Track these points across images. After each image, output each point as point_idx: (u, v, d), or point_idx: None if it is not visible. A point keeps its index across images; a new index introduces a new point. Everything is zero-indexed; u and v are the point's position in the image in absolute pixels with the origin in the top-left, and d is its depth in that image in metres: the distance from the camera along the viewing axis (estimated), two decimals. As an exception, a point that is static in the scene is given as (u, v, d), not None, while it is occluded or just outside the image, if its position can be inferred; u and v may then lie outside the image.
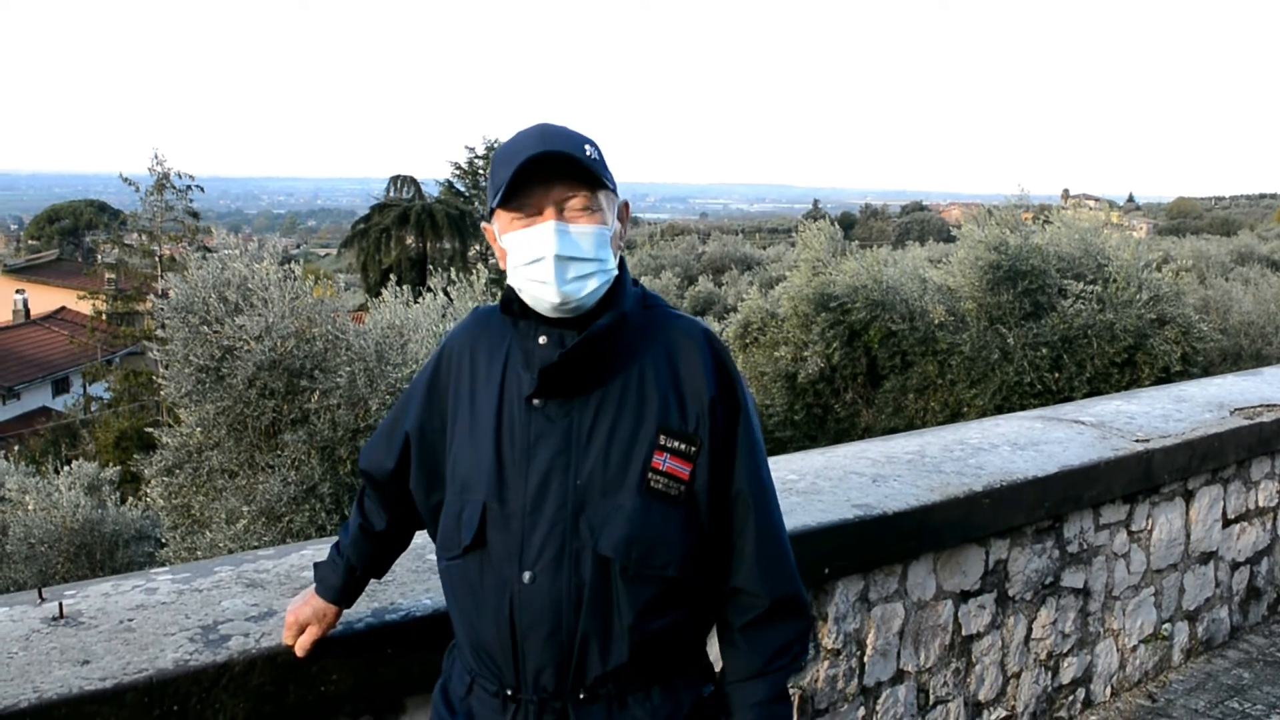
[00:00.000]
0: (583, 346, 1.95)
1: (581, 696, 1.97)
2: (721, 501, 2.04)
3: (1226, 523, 5.23)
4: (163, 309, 7.71)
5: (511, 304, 2.04)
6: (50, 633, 2.44)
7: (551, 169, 1.92)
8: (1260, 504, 5.43)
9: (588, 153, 1.95)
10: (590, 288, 1.94)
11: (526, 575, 1.94)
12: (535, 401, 1.98)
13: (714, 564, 2.06)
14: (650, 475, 1.96)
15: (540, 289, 1.94)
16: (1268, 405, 5.51)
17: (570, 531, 1.94)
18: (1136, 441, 4.70)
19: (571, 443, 1.96)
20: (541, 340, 2.00)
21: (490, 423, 2.01)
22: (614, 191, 2.02)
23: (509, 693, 1.99)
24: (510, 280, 2.00)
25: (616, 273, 1.99)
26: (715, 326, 15.08)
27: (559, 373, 1.95)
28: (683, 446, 1.98)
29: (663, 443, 1.97)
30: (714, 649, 2.20)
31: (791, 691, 3.27)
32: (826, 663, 3.58)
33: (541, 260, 1.92)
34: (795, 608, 2.09)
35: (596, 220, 1.95)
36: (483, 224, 2.13)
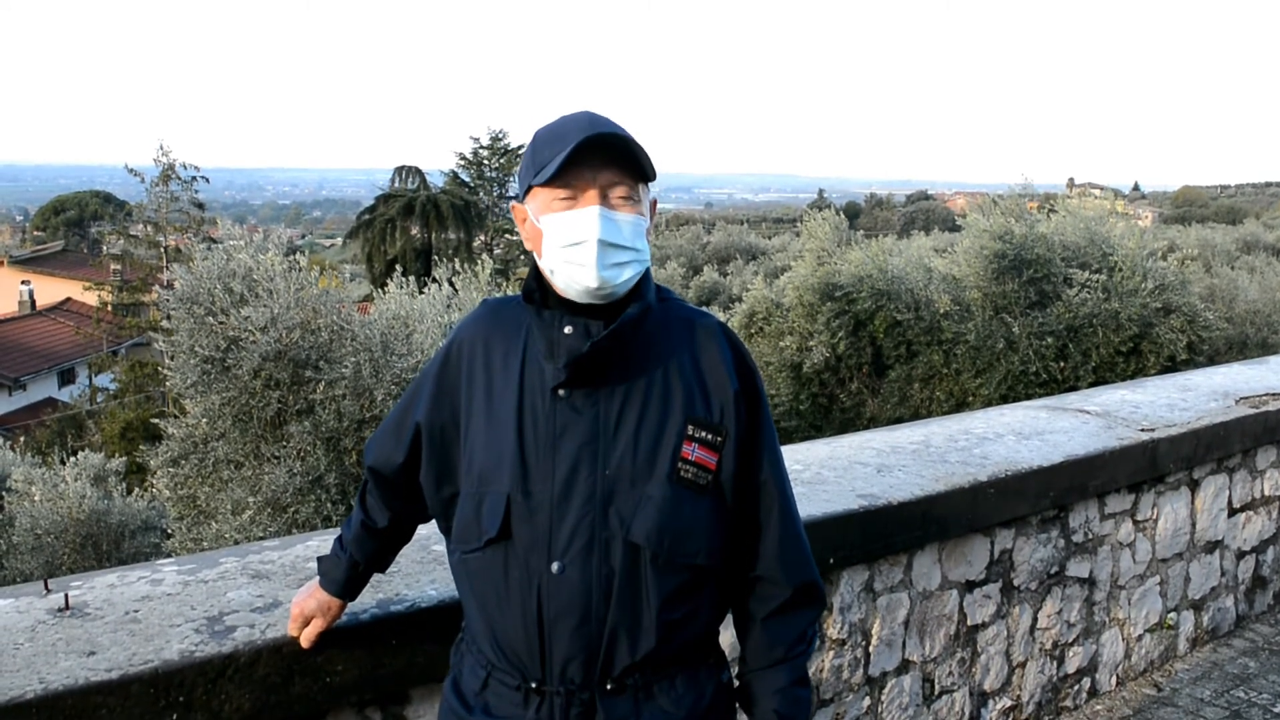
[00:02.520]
0: (613, 336, 1.95)
1: (609, 687, 1.98)
2: (745, 491, 2.07)
3: (1232, 512, 5.23)
4: (168, 300, 7.71)
5: (534, 293, 2.04)
6: (56, 624, 2.45)
7: (603, 154, 1.92)
8: (1266, 493, 5.43)
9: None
10: (626, 275, 1.95)
11: (555, 566, 1.95)
12: (561, 392, 1.98)
13: (734, 552, 2.09)
14: (680, 465, 1.98)
15: (578, 272, 1.94)
16: (1273, 394, 5.50)
17: (600, 521, 1.95)
18: (1142, 431, 4.70)
19: (599, 433, 1.97)
20: (567, 330, 2.00)
21: (511, 414, 2.01)
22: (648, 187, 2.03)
23: (533, 685, 2.00)
24: (544, 262, 1.99)
25: (648, 263, 2.01)
26: (721, 316, 15.06)
27: (589, 363, 1.95)
28: (710, 437, 2.00)
29: (691, 433, 1.99)
30: (725, 636, 2.21)
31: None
32: (831, 653, 3.59)
33: (583, 244, 1.92)
34: (814, 595, 2.14)
35: (637, 210, 1.97)
36: (511, 203, 2.13)
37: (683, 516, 1.97)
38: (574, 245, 1.92)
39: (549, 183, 1.93)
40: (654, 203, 2.08)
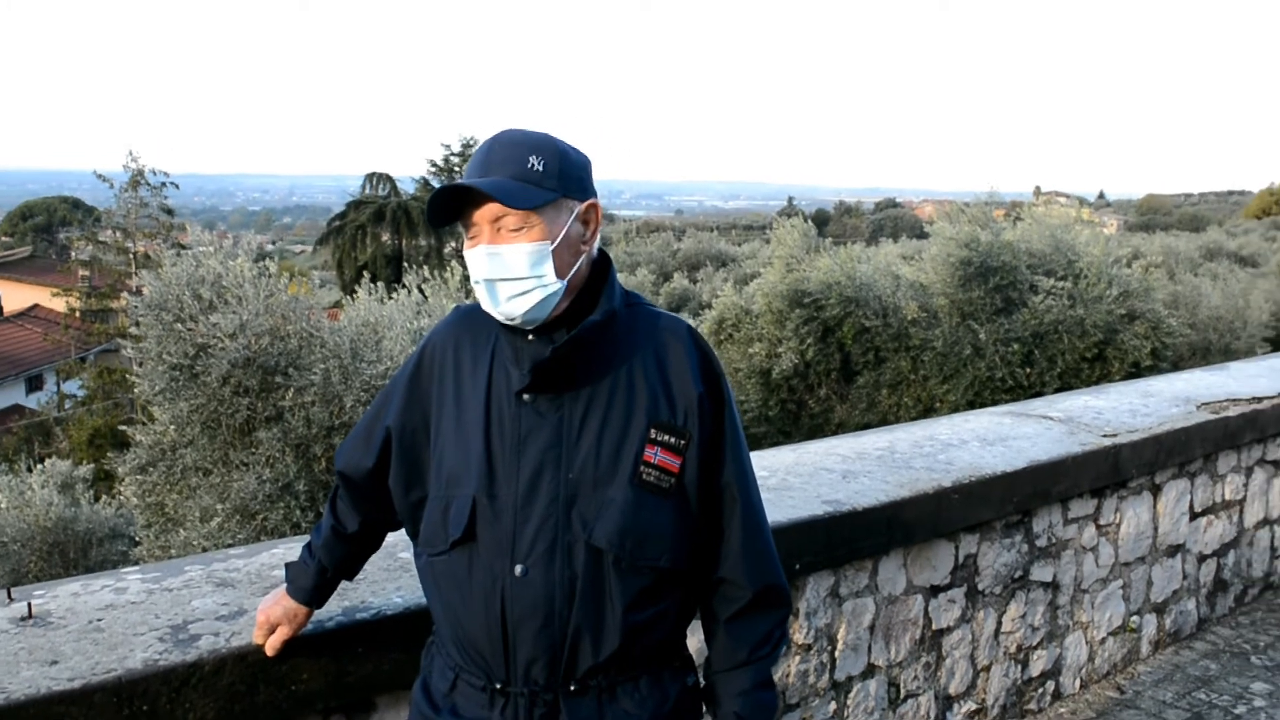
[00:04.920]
0: (575, 342, 1.97)
1: (572, 689, 2.00)
2: (709, 494, 2.08)
3: (1193, 516, 5.29)
4: (136, 306, 7.68)
5: None
6: (18, 633, 2.44)
7: (481, 192, 1.92)
8: (1226, 497, 5.49)
9: (530, 165, 1.94)
10: (529, 304, 1.95)
11: (518, 569, 1.96)
12: (526, 396, 2.00)
13: (700, 555, 2.10)
14: (642, 468, 1.99)
15: (487, 305, 1.99)
16: (1234, 400, 5.57)
17: (563, 524, 1.97)
18: (1104, 436, 4.75)
19: (563, 437, 1.99)
20: (530, 336, 2.03)
21: (479, 418, 2.03)
22: (569, 196, 1.99)
23: (498, 686, 2.01)
24: None
25: (561, 286, 1.98)
26: (690, 323, 15.09)
27: (551, 368, 1.97)
28: (673, 440, 2.01)
29: (654, 436, 2.00)
30: (693, 640, 2.22)
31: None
32: (798, 658, 3.61)
33: (479, 283, 1.96)
34: (777, 597, 2.15)
35: (533, 237, 1.94)
36: None
37: (644, 520, 1.98)
38: (476, 283, 1.97)
39: (437, 225, 2.02)
40: (592, 207, 2.05)
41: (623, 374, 2.02)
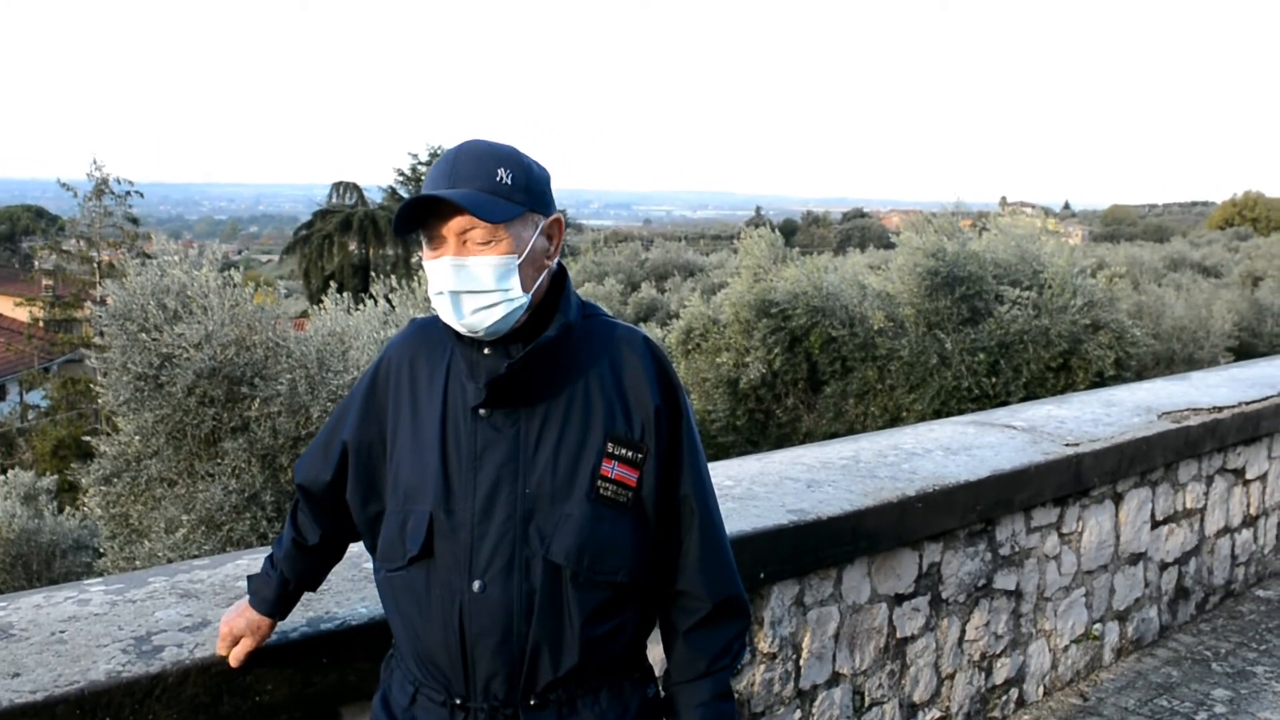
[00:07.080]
0: (531, 357, 1.97)
1: (532, 703, 2.00)
2: (667, 506, 2.08)
3: (1155, 524, 5.34)
4: (101, 316, 7.63)
5: None
6: (-20, 646, 2.42)
7: (448, 203, 1.91)
8: (1188, 506, 5.55)
9: (499, 179, 1.93)
10: (494, 318, 1.95)
11: (476, 584, 1.96)
12: (482, 411, 2.00)
13: (658, 567, 2.10)
14: (599, 483, 1.99)
15: (447, 317, 1.98)
16: (1194, 409, 5.63)
17: (520, 540, 1.96)
18: (1066, 445, 4.79)
19: (520, 451, 1.99)
20: (486, 351, 2.02)
21: (435, 433, 2.03)
22: (535, 210, 1.99)
23: (457, 701, 2.01)
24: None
25: (525, 300, 1.98)
26: (658, 333, 15.10)
27: (507, 383, 1.97)
28: (630, 454, 2.02)
29: (611, 450, 2.01)
30: (654, 651, 2.23)
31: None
32: (762, 666, 3.63)
33: (442, 294, 1.95)
34: (736, 608, 2.15)
35: (500, 250, 1.94)
36: None
37: (602, 534, 1.99)
38: (438, 295, 1.96)
39: (401, 235, 1.98)
40: (556, 221, 2.05)
41: (579, 387, 2.03)
